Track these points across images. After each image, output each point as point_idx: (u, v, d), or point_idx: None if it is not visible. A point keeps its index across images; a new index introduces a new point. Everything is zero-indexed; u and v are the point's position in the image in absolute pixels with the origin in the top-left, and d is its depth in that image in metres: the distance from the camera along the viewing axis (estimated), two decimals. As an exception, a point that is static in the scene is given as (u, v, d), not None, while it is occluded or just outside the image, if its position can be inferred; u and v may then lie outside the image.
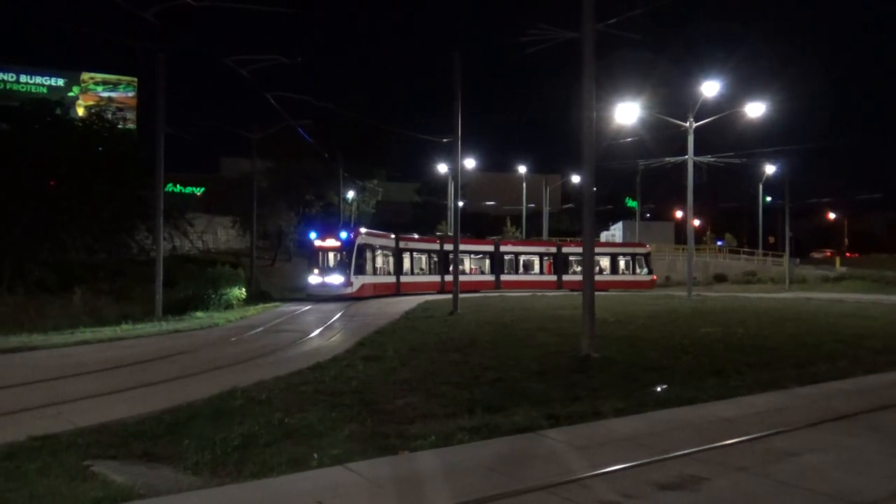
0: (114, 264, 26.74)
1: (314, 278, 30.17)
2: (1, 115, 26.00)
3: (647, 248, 46.36)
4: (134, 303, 22.14)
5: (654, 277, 45.45)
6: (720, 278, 54.01)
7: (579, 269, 39.03)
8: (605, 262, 42.90)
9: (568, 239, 52.36)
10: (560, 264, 43.03)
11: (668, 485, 5.13)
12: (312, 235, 31.32)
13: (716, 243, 68.40)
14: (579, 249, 39.58)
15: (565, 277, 42.04)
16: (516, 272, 42.29)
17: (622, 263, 44.35)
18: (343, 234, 30.57)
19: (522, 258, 42.88)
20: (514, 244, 45.18)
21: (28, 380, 9.82)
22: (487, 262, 41.13)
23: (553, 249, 44.38)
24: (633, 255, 44.77)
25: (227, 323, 19.45)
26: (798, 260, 54.82)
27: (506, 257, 41.87)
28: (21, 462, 5.70)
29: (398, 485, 5.10)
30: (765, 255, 59.93)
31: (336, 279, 29.56)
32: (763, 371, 10.52)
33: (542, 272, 42.97)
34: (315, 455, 5.83)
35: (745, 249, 62.85)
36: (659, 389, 9.10)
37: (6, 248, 22.12)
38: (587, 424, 7.07)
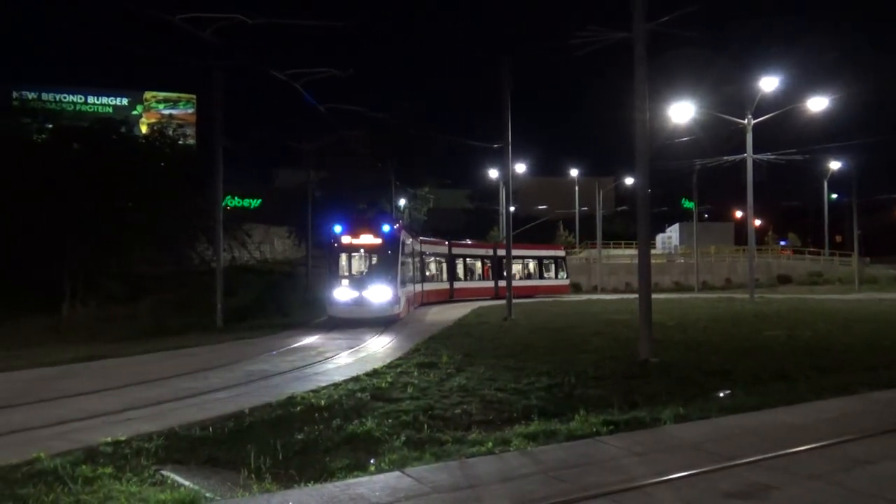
0: (177, 275, 27.73)
1: (341, 292, 20.92)
2: (72, 135, 27.39)
3: (564, 251, 44.72)
4: (196, 312, 22.87)
5: (570, 281, 43.92)
6: (784, 280, 52.14)
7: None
8: (530, 267, 40.73)
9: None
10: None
11: (735, 493, 4.97)
12: (338, 229, 21.62)
13: (778, 243, 66.12)
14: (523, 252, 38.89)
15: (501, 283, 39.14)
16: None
17: (544, 267, 41.99)
18: (385, 227, 21.65)
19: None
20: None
21: (99, 388, 10.24)
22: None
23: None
24: (555, 259, 42.72)
25: (282, 331, 19.85)
26: (868, 259, 52.49)
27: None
28: (96, 466, 5.95)
29: (456, 491, 5.10)
30: (831, 254, 57.56)
31: (377, 294, 20.66)
32: (833, 375, 10.09)
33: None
34: (373, 460, 5.89)
35: (810, 249, 60.52)
36: (722, 395, 8.84)
37: (79, 262, 23.20)
38: (647, 431, 6.92)
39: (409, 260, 24.23)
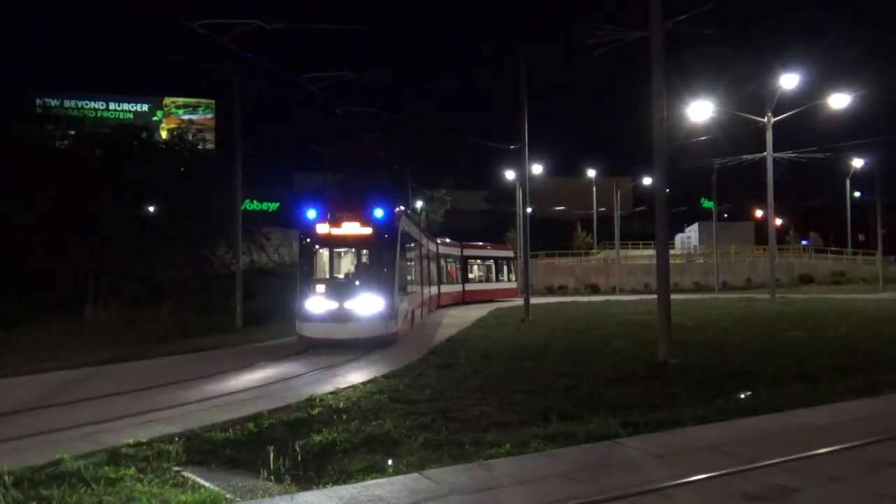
0: (198, 278, 28.00)
1: (315, 304, 15.17)
2: (94, 141, 27.83)
3: (512, 251, 41.32)
4: (216, 315, 23.09)
5: (517, 285, 39.83)
6: (806, 279, 51.41)
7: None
8: (484, 269, 37.80)
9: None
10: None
11: (756, 496, 4.92)
12: (311, 215, 15.85)
13: (800, 243, 65.21)
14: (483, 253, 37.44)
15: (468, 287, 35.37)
16: None
17: (498, 269, 38.95)
18: (378, 212, 15.71)
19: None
20: None
21: (122, 390, 10.38)
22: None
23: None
24: (507, 260, 39.83)
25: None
26: (892, 258, 51.59)
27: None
28: (118, 467, 6.03)
29: (475, 492, 5.10)
30: (854, 253, 56.67)
31: (366, 305, 14.99)
32: (857, 376, 9.93)
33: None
34: (391, 462, 5.91)
35: (833, 248, 59.61)
36: (742, 396, 8.74)
37: (103, 266, 23.54)
38: (666, 432, 6.87)
39: (413, 256, 19.60)
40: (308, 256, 16.18)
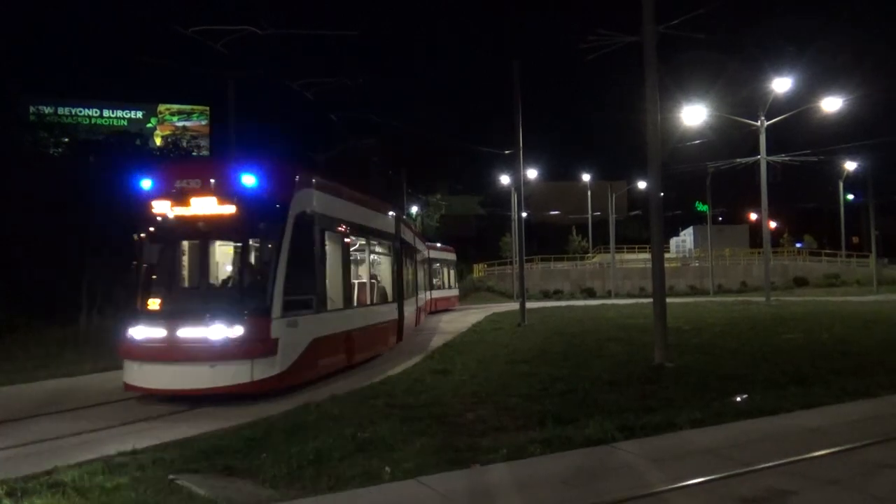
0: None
1: (144, 331, 9.68)
2: (88, 148, 27.78)
3: (454, 254, 38.26)
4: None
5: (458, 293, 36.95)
6: (800, 282, 51.61)
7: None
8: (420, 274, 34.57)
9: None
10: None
11: (753, 499, 4.91)
12: (146, 185, 10.33)
13: (794, 245, 65.50)
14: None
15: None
16: None
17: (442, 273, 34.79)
18: (248, 179, 9.87)
19: None
20: None
21: (116, 398, 10.31)
22: None
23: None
24: (452, 263, 35.92)
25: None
26: (886, 260, 51.83)
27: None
28: (112, 476, 5.99)
29: (471, 498, 5.08)
30: (848, 256, 56.93)
31: (220, 334, 9.37)
32: (852, 378, 9.95)
33: None
34: (388, 468, 5.89)
35: (827, 251, 59.87)
36: (738, 399, 8.75)
37: (97, 274, 23.44)
38: (662, 436, 6.86)
39: (333, 249, 12.16)
40: (140, 254, 10.42)
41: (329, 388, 10.35)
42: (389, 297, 16.29)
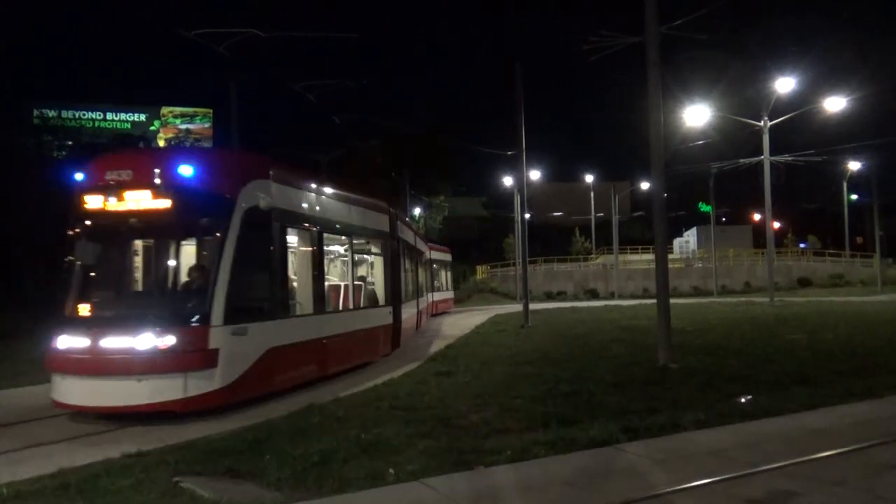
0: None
1: (70, 340, 8.52)
2: (92, 151, 27.86)
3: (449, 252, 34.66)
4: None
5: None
6: (804, 282, 51.49)
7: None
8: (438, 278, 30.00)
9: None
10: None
11: (758, 500, 4.90)
12: (78, 177, 9.31)
13: (798, 246, 65.34)
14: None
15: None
16: None
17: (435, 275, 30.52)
18: (186, 169, 8.77)
19: None
20: None
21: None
22: None
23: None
24: (448, 264, 32.55)
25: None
26: (890, 260, 51.69)
27: None
28: (116, 478, 5.99)
29: (475, 500, 5.08)
30: (852, 256, 56.78)
31: (150, 343, 8.17)
32: (856, 379, 9.91)
33: None
34: (392, 470, 5.88)
35: (831, 251, 59.74)
36: (743, 400, 8.72)
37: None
38: (667, 437, 6.84)
39: (300, 249, 11.48)
40: (70, 253, 9.38)
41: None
42: (381, 300, 15.01)
